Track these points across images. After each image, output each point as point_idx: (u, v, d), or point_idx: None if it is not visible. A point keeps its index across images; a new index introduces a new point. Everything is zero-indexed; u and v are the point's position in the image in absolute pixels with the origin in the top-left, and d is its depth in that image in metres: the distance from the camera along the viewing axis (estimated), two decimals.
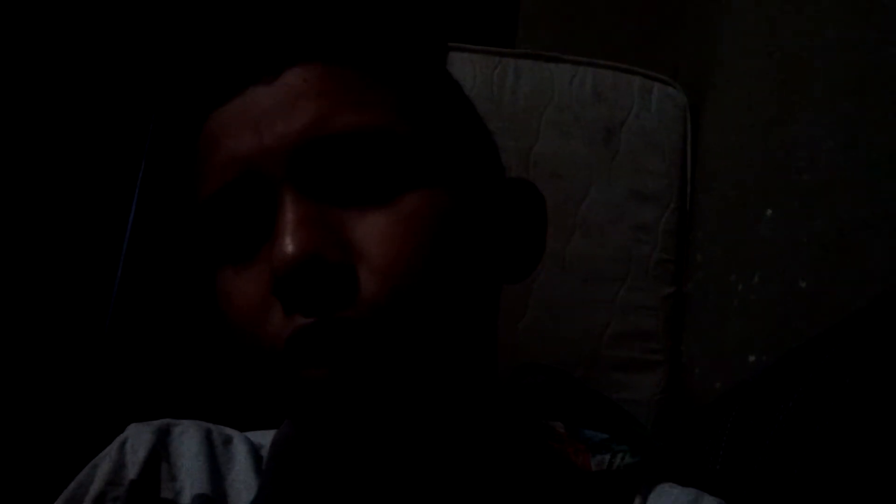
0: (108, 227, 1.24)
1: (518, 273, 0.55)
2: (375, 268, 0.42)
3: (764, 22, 1.04)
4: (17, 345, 1.16)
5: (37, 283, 1.21)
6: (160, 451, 0.55)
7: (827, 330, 0.72)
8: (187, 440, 0.56)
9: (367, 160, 0.44)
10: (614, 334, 1.03)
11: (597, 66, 1.14)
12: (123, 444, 0.55)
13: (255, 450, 0.57)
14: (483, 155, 0.54)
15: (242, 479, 0.54)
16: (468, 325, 0.48)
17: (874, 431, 0.58)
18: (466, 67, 1.07)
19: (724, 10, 1.17)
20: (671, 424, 1.02)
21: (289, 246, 0.40)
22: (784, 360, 0.79)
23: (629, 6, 1.37)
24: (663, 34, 1.34)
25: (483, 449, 0.50)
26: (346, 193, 0.44)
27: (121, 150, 1.28)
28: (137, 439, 0.55)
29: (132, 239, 1.23)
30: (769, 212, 0.92)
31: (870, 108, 0.81)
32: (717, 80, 1.15)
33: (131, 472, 0.53)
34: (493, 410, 0.52)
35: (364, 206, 0.44)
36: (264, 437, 0.58)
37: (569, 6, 1.36)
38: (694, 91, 1.18)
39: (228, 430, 0.58)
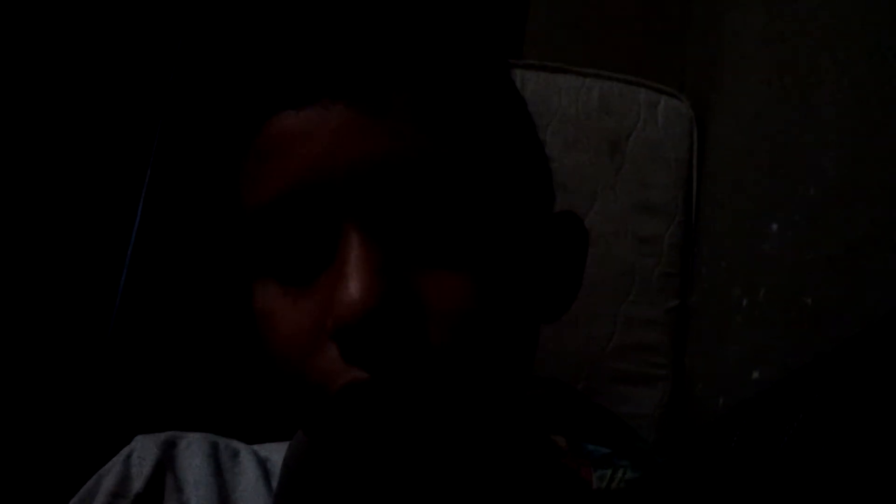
0: (113, 231, 1.24)
1: (554, 311, 0.53)
2: (442, 322, 0.40)
3: (770, 37, 1.04)
4: (21, 354, 1.16)
5: (41, 290, 1.21)
6: (166, 464, 0.54)
7: (832, 349, 0.72)
8: (193, 453, 0.55)
9: (436, 205, 0.41)
10: (617, 347, 1.03)
11: (603, 78, 1.14)
12: (129, 455, 0.55)
13: (262, 463, 0.56)
14: (542, 189, 0.52)
15: (250, 493, 0.54)
16: (514, 369, 0.47)
17: (880, 452, 0.58)
18: None
19: (730, 24, 1.17)
20: (674, 440, 1.02)
21: (358, 294, 0.38)
22: (789, 379, 0.79)
23: (636, 19, 1.37)
24: (670, 47, 1.34)
25: (498, 462, 0.49)
26: (414, 239, 0.41)
27: (127, 154, 1.28)
28: (143, 451, 0.55)
29: (137, 244, 1.23)
30: (774, 227, 0.92)
31: (875, 124, 0.81)
32: (723, 94, 1.15)
33: (137, 484, 0.53)
34: (508, 425, 0.51)
35: (434, 256, 0.41)
36: (271, 451, 0.58)
37: (576, 18, 1.36)
38: (700, 104, 1.18)
39: (235, 443, 0.58)
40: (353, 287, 0.38)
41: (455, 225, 0.42)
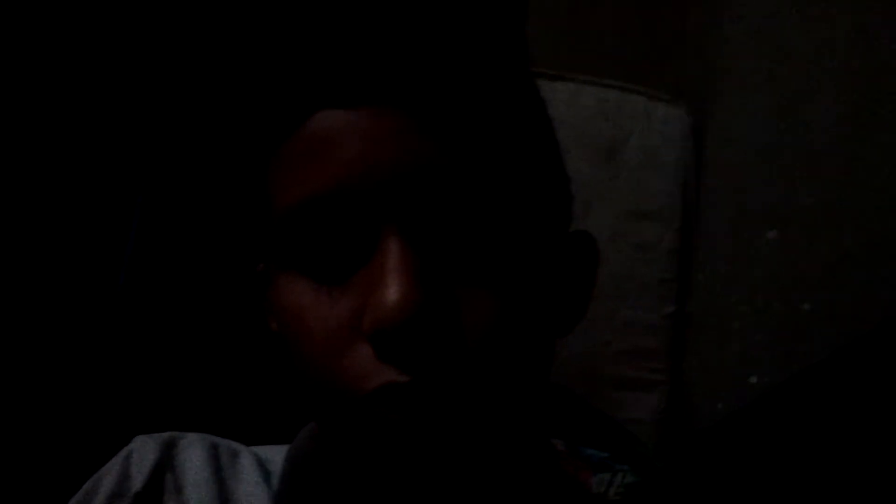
0: (113, 227, 1.24)
1: (568, 325, 0.54)
2: (473, 333, 0.40)
3: (767, 45, 1.04)
4: (20, 354, 1.15)
5: (40, 290, 1.20)
6: (166, 464, 0.54)
7: (830, 355, 0.73)
8: (193, 453, 0.55)
9: (471, 214, 0.42)
10: (615, 353, 1.03)
11: (600, 84, 1.15)
12: (129, 456, 0.55)
13: (262, 464, 0.56)
14: (564, 208, 0.53)
15: (250, 494, 0.54)
16: (534, 382, 0.47)
17: (877, 456, 0.58)
18: None
19: (727, 32, 1.18)
20: (672, 445, 1.02)
21: (396, 297, 0.38)
22: (786, 384, 0.80)
23: (633, 25, 1.37)
24: (667, 54, 1.34)
25: (499, 465, 0.49)
26: (446, 247, 0.42)
27: (125, 156, 1.28)
28: (143, 451, 0.55)
29: (137, 244, 1.23)
30: (772, 233, 0.92)
31: (871, 133, 0.82)
32: (721, 101, 1.15)
33: (136, 484, 0.53)
34: (511, 429, 0.51)
35: (463, 265, 0.42)
36: (271, 452, 0.58)
37: (573, 24, 1.37)
38: (697, 111, 1.19)
39: (235, 445, 0.58)
40: (394, 290, 0.38)
41: (489, 238, 0.42)
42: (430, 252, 0.41)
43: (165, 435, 0.57)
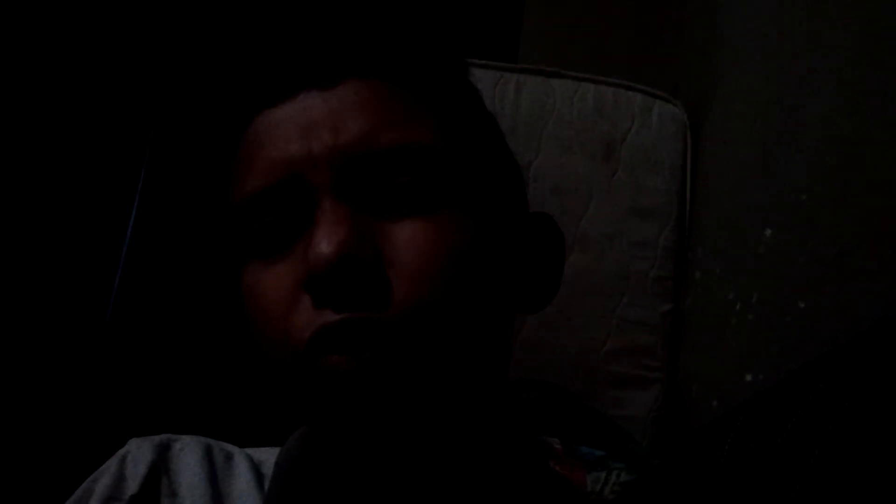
0: (108, 233, 1.24)
1: (532, 304, 0.57)
2: (407, 273, 0.43)
3: (762, 42, 1.04)
4: (15, 356, 1.16)
5: (35, 291, 1.20)
6: (161, 466, 0.55)
7: (827, 352, 0.73)
8: (188, 455, 0.55)
9: (407, 176, 0.46)
10: (612, 350, 1.04)
11: (598, 82, 1.15)
12: (124, 458, 0.55)
13: (255, 466, 0.57)
14: (511, 183, 0.57)
15: (243, 496, 0.54)
16: (485, 344, 0.49)
17: (875, 454, 0.58)
18: None
19: (723, 30, 1.18)
20: (668, 443, 1.02)
21: (326, 244, 0.42)
22: (782, 382, 0.80)
23: (631, 23, 1.37)
24: (664, 51, 1.34)
25: (486, 465, 0.50)
26: (384, 205, 0.45)
27: (121, 154, 1.28)
28: (138, 454, 0.55)
29: (131, 246, 1.23)
30: (769, 231, 0.92)
31: (868, 129, 0.82)
32: (718, 98, 1.15)
33: (132, 486, 0.53)
34: (497, 427, 0.52)
35: (400, 217, 0.45)
36: (264, 454, 0.58)
37: (571, 22, 1.37)
38: (694, 108, 1.19)
39: (229, 447, 0.58)
40: (323, 238, 0.42)
41: (420, 192, 0.46)
42: (367, 208, 0.45)
43: (160, 437, 0.57)
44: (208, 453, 0.56)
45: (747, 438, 0.80)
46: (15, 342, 1.16)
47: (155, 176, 1.26)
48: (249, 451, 0.59)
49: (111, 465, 0.55)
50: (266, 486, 0.55)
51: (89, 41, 1.31)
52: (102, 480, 0.54)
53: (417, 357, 0.43)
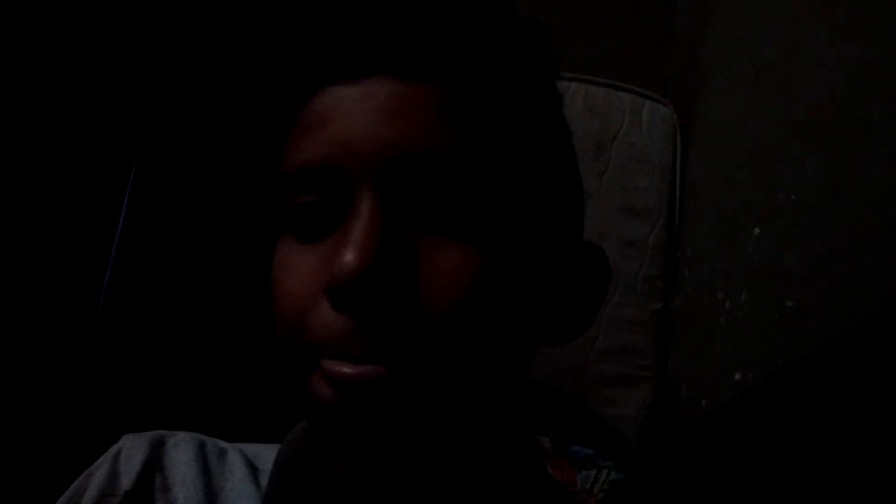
0: (98, 228, 1.23)
1: (560, 338, 0.53)
2: (437, 297, 0.41)
3: (751, 45, 1.05)
4: (7, 353, 1.15)
5: (26, 288, 1.20)
6: (154, 462, 0.55)
7: (816, 349, 0.73)
8: (181, 451, 0.55)
9: (459, 191, 0.43)
10: (602, 349, 1.04)
11: (588, 82, 1.15)
12: (118, 454, 0.55)
13: (249, 462, 0.56)
14: (571, 209, 0.53)
15: (237, 491, 0.54)
16: (504, 375, 0.47)
17: (862, 453, 0.59)
18: None
19: (712, 32, 1.18)
20: (658, 441, 1.02)
21: (353, 255, 0.40)
22: (771, 380, 0.80)
23: (621, 25, 1.38)
24: (654, 53, 1.35)
25: (484, 466, 0.50)
26: (425, 216, 0.43)
27: (112, 149, 1.28)
28: (132, 450, 0.55)
29: (121, 241, 1.22)
30: (757, 230, 0.93)
31: (854, 131, 0.83)
32: (707, 99, 1.16)
33: (125, 482, 0.53)
34: (496, 430, 0.51)
35: (441, 235, 0.43)
36: (258, 450, 0.58)
37: (562, 23, 1.37)
38: (684, 109, 1.20)
39: (222, 443, 0.58)
40: (351, 253, 0.40)
41: (469, 213, 0.43)
42: (408, 217, 0.43)
43: (153, 433, 0.57)
44: (202, 449, 0.56)
45: (736, 436, 0.81)
46: (7, 340, 1.16)
47: (145, 172, 1.26)
48: (242, 446, 0.59)
49: (105, 461, 0.55)
50: (260, 482, 0.55)
51: (81, 36, 1.30)
52: (96, 476, 0.54)
53: (428, 381, 0.41)
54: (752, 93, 1.02)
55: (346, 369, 0.40)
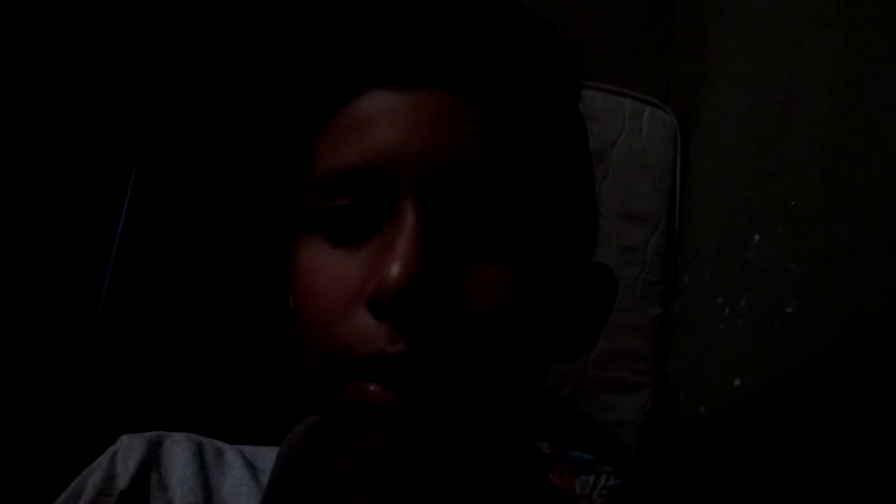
0: (98, 228, 1.23)
1: (569, 354, 0.54)
2: (478, 318, 0.41)
3: (752, 51, 1.05)
4: (5, 354, 1.15)
5: (25, 288, 1.20)
6: (151, 463, 0.54)
7: (814, 357, 0.73)
8: (178, 452, 0.55)
9: (497, 209, 0.43)
10: (602, 354, 1.04)
11: (589, 87, 1.15)
12: (114, 454, 0.54)
13: (247, 462, 0.56)
14: (587, 230, 0.54)
15: (235, 492, 0.54)
16: (525, 392, 0.47)
17: (861, 458, 0.59)
18: None
19: (713, 38, 1.19)
20: (656, 447, 1.02)
21: (402, 268, 0.39)
22: (770, 386, 0.80)
23: (622, 31, 1.38)
24: (655, 59, 1.35)
25: (487, 472, 0.50)
26: (464, 233, 0.43)
27: (113, 150, 1.27)
28: (128, 450, 0.55)
29: (121, 242, 1.22)
30: (757, 236, 0.93)
31: (853, 138, 0.83)
32: (707, 104, 1.16)
33: (122, 482, 0.53)
34: (503, 442, 0.51)
35: (480, 253, 0.43)
36: (257, 451, 0.58)
37: (562, 28, 1.37)
38: (684, 114, 1.20)
39: (219, 443, 0.58)
40: (398, 265, 0.40)
41: (510, 230, 0.43)
42: (449, 231, 0.42)
43: (150, 434, 0.57)
44: (198, 449, 0.56)
45: (735, 443, 0.81)
46: (6, 341, 1.15)
47: (146, 173, 1.26)
48: (240, 447, 0.59)
49: (102, 461, 0.55)
50: (259, 481, 0.55)
51: (82, 38, 1.31)
52: (93, 476, 0.54)
53: (465, 404, 0.41)
54: (752, 99, 1.02)
55: (388, 395, 0.40)
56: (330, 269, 0.44)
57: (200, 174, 1.25)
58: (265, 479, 0.55)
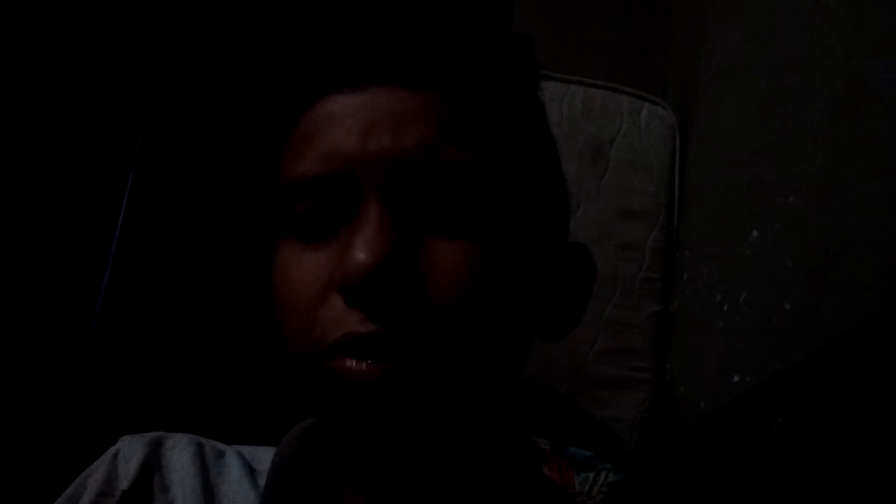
0: (97, 228, 1.23)
1: (553, 333, 0.55)
2: (443, 296, 0.43)
3: (750, 48, 1.05)
4: (5, 354, 1.15)
5: (25, 289, 1.20)
6: (152, 463, 0.54)
7: (813, 353, 0.73)
8: (179, 453, 0.55)
9: (459, 194, 0.45)
10: (600, 351, 1.04)
11: (587, 84, 1.15)
12: (116, 455, 0.55)
13: (247, 463, 0.56)
14: (558, 210, 0.55)
15: (235, 491, 0.54)
16: (503, 369, 0.48)
17: (860, 456, 0.59)
18: None
19: (711, 35, 1.19)
20: (655, 443, 1.02)
21: (365, 252, 0.41)
22: (769, 383, 0.80)
23: (620, 28, 1.38)
24: (653, 56, 1.35)
25: (482, 467, 0.50)
26: (429, 219, 0.44)
27: (111, 150, 1.27)
28: (130, 451, 0.55)
29: (120, 241, 1.22)
30: (755, 233, 0.93)
31: (850, 135, 0.83)
32: (705, 102, 1.16)
33: (123, 482, 0.53)
34: (493, 431, 0.52)
35: (444, 236, 0.44)
36: (256, 452, 0.58)
37: (560, 25, 1.37)
38: (683, 111, 1.20)
39: (220, 445, 0.58)
40: (363, 251, 0.42)
41: (468, 212, 0.45)
42: (411, 217, 0.44)
43: (151, 434, 0.57)
44: (200, 450, 0.56)
45: (734, 439, 0.81)
46: (6, 341, 1.15)
47: (144, 173, 1.26)
48: (240, 448, 0.59)
49: (103, 461, 0.55)
50: (258, 483, 0.55)
51: (80, 37, 1.31)
52: (94, 477, 0.54)
53: (438, 376, 0.43)
54: (750, 95, 1.02)
55: (362, 367, 0.42)
56: (304, 264, 0.46)
57: (199, 173, 1.25)
58: (264, 481, 0.55)
